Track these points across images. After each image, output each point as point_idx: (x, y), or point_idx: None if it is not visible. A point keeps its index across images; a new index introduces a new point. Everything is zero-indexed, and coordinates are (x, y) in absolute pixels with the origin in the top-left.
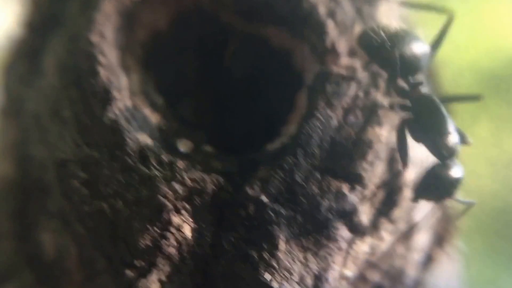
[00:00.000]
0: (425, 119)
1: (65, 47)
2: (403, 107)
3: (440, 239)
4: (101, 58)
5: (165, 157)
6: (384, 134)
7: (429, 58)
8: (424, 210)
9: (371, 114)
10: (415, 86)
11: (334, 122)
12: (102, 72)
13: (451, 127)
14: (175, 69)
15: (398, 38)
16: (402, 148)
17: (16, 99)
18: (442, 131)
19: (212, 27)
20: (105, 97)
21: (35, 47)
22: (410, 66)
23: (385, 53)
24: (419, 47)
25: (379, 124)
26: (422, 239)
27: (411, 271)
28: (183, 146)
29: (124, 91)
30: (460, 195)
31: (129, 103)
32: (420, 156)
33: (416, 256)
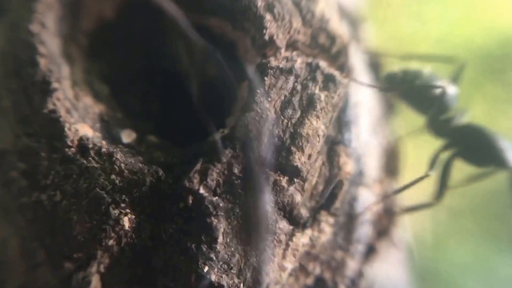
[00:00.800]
0: (475, 145)
1: (5, 37)
2: (449, 144)
3: (383, 231)
4: (41, 48)
5: (104, 149)
6: (321, 127)
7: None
8: (365, 203)
9: (309, 107)
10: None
11: (272, 115)
12: (42, 62)
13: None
14: (121, 58)
15: (431, 78)
16: (443, 182)
17: None
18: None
19: (157, 18)
20: (45, 87)
21: None
22: (447, 103)
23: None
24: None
25: (317, 117)
26: (364, 231)
27: (352, 263)
28: (127, 136)
29: (65, 81)
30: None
31: (70, 93)
32: (361, 148)
33: (357, 248)
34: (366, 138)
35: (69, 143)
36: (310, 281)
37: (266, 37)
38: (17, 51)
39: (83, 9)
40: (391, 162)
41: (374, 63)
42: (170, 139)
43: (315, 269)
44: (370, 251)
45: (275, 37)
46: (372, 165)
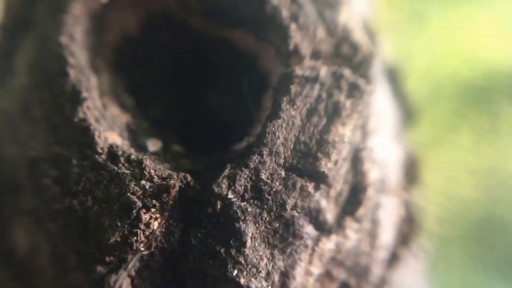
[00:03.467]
0: None
1: (35, 49)
2: None
3: (405, 238)
4: (70, 59)
5: (134, 156)
6: (347, 134)
7: None
8: (388, 209)
9: (334, 114)
10: None
11: (298, 122)
12: (72, 73)
13: None
14: (145, 71)
15: None
16: None
17: None
18: None
19: (181, 31)
20: (75, 97)
21: (7, 49)
22: None
23: None
24: None
25: (343, 124)
26: (387, 237)
27: (377, 269)
28: (153, 145)
29: (93, 91)
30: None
31: (98, 103)
32: (382, 156)
33: (381, 254)
34: (388, 146)
35: (99, 150)
36: (335, 286)
37: (291, 46)
38: (47, 62)
39: (109, 23)
40: (412, 170)
41: (392, 74)
42: (193, 148)
43: (340, 274)
44: (393, 258)
45: (299, 46)
46: (394, 173)
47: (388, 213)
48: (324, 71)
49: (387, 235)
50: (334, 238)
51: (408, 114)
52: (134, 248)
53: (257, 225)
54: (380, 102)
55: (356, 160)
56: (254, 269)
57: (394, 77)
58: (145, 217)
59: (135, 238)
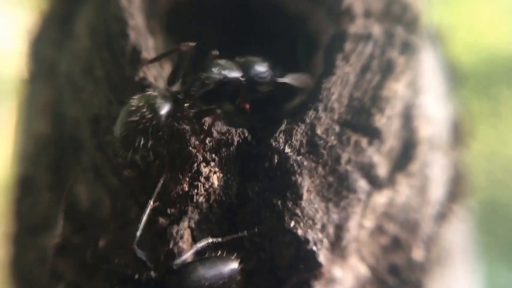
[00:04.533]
0: None
1: (96, 13)
2: None
3: (453, 196)
4: (130, 21)
5: (192, 112)
6: (400, 90)
7: None
8: (438, 167)
9: (388, 71)
10: None
11: (352, 78)
12: (132, 34)
13: None
14: (196, 34)
15: None
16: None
17: (49, 63)
18: None
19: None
20: (135, 57)
21: (65, 15)
22: None
23: None
24: None
25: (396, 80)
26: (436, 194)
27: (426, 225)
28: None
29: (151, 51)
30: None
31: (156, 63)
32: (432, 114)
33: (430, 210)
34: (437, 105)
35: None
36: (386, 240)
37: (344, 6)
38: (108, 24)
39: None
40: (459, 130)
41: (436, 37)
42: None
43: (391, 228)
44: (442, 215)
45: (352, 5)
46: (443, 131)
47: (437, 170)
48: (376, 29)
49: (436, 191)
50: (386, 192)
51: (452, 76)
52: (195, 200)
53: (312, 178)
54: (428, 62)
55: (408, 116)
56: (310, 221)
57: (438, 40)
58: (205, 170)
59: (195, 190)
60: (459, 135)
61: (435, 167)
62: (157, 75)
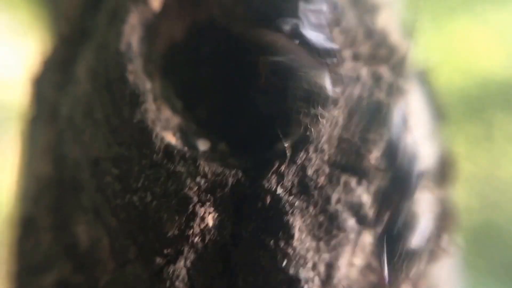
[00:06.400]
0: None
1: (95, 56)
2: None
3: (439, 233)
4: (129, 66)
5: (188, 154)
6: (386, 131)
7: None
8: (424, 205)
9: (375, 113)
10: None
11: (341, 121)
12: (130, 78)
13: None
14: (191, 75)
15: None
16: None
17: (51, 105)
18: None
19: (224, 37)
20: (134, 100)
21: (67, 58)
22: None
23: None
24: None
25: (383, 122)
26: (424, 232)
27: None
28: (202, 145)
29: (149, 95)
30: None
31: (153, 105)
32: (421, 152)
33: (418, 247)
34: (423, 143)
35: (157, 150)
36: (376, 277)
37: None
38: (107, 68)
39: (157, 32)
40: (445, 168)
41: (423, 75)
42: (239, 147)
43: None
44: (429, 252)
45: (341, 49)
46: (429, 169)
47: (424, 208)
48: (364, 72)
49: (424, 228)
50: (374, 231)
51: (438, 113)
52: (190, 240)
53: (303, 218)
54: (415, 101)
55: (395, 156)
56: (302, 260)
57: (424, 78)
58: (201, 211)
59: (191, 231)
60: (445, 172)
61: (422, 205)
62: (154, 118)
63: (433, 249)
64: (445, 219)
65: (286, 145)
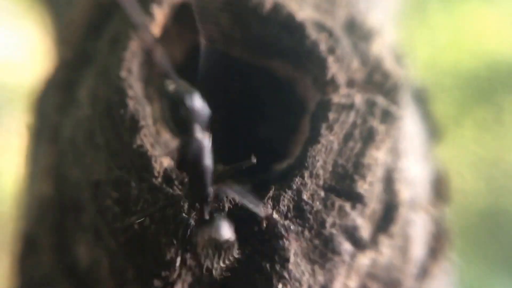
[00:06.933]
0: None
1: (96, 81)
2: None
3: (434, 253)
4: (129, 91)
5: (186, 179)
6: (381, 157)
7: None
8: (419, 226)
9: (369, 139)
10: None
11: (336, 146)
12: (130, 104)
13: None
14: None
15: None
16: None
17: (53, 126)
18: None
19: (223, 61)
20: (133, 126)
21: (69, 80)
22: None
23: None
24: None
25: (377, 148)
26: (418, 252)
27: (408, 283)
28: None
29: (149, 120)
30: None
31: (153, 129)
32: (412, 175)
33: (412, 268)
34: (417, 165)
35: (156, 174)
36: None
37: (329, 76)
38: (108, 94)
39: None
40: (440, 187)
41: (419, 94)
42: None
43: None
44: (424, 272)
45: (336, 76)
46: (424, 190)
47: (418, 229)
48: (358, 99)
49: (418, 250)
50: (369, 254)
51: (434, 132)
52: (188, 263)
53: (299, 242)
54: (409, 124)
55: (389, 180)
56: (297, 283)
57: (420, 97)
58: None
59: (188, 254)
60: (439, 191)
61: (416, 226)
62: (154, 142)
63: (426, 268)
64: (439, 238)
65: (280, 168)
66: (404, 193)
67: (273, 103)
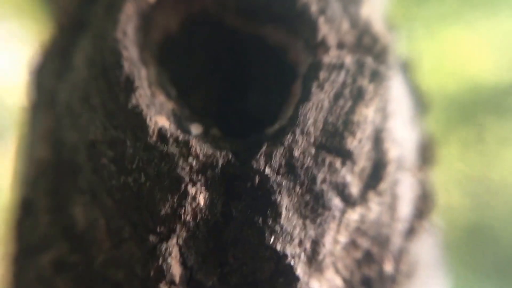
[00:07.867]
0: None
1: (92, 44)
2: None
3: (420, 213)
4: (124, 52)
5: (180, 137)
6: (370, 115)
7: None
8: (406, 186)
9: (358, 97)
10: None
11: (326, 104)
12: (126, 65)
13: None
14: (186, 64)
15: None
16: None
17: (50, 92)
18: None
19: (216, 28)
20: (128, 86)
21: (65, 47)
22: None
23: None
24: None
25: (366, 106)
26: (405, 211)
27: (396, 239)
28: (195, 129)
29: (144, 81)
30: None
31: (148, 91)
32: (400, 137)
33: (400, 226)
34: (405, 128)
35: (151, 133)
36: (359, 254)
37: (319, 38)
38: (103, 56)
39: (154, 22)
40: (426, 152)
41: (405, 66)
42: (230, 133)
43: (364, 243)
44: (411, 231)
45: (326, 37)
46: (411, 153)
47: (405, 189)
48: (348, 59)
49: (405, 208)
50: (358, 209)
51: (420, 102)
52: (182, 219)
53: (290, 197)
54: (397, 89)
55: (378, 139)
56: (289, 237)
57: (406, 69)
58: (192, 191)
59: (183, 210)
60: (425, 156)
61: (404, 186)
62: (149, 103)
63: (413, 228)
64: (425, 200)
65: (273, 130)
66: (393, 152)
67: (266, 71)
